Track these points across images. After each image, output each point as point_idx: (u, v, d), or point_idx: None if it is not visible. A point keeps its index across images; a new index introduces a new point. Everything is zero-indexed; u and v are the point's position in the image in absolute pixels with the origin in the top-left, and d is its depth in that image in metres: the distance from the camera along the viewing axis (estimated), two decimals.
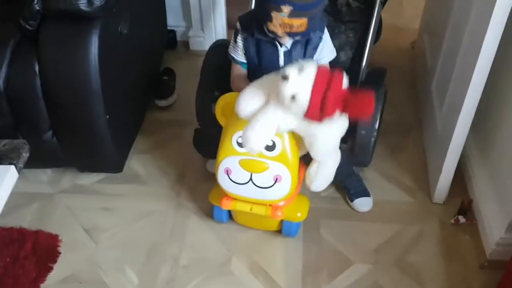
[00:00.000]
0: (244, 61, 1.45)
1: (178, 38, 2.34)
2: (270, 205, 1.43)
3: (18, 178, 0.99)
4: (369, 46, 1.65)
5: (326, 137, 1.28)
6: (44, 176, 1.77)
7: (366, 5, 1.75)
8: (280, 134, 1.31)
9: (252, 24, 1.36)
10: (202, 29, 2.27)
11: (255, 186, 1.38)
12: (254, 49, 1.40)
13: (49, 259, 1.50)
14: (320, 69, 1.20)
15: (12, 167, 0.98)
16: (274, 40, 1.35)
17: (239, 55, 1.45)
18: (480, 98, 1.40)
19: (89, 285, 1.45)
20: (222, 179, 1.40)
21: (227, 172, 1.38)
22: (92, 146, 1.61)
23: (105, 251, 1.53)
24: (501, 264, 1.37)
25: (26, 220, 1.61)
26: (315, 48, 1.40)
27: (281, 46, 1.37)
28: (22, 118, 1.54)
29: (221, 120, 1.37)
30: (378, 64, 1.77)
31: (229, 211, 1.56)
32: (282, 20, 1.24)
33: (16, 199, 1.65)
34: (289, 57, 1.39)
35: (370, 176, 1.74)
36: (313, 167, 1.36)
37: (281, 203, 1.43)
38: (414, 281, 1.43)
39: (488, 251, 1.45)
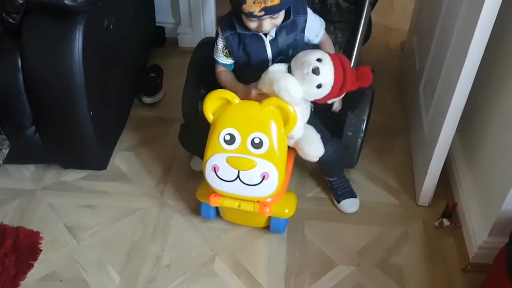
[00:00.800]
0: (227, 62, 1.46)
1: (167, 35, 2.32)
2: (258, 201, 1.43)
3: (0, 174, 0.97)
4: (358, 46, 1.64)
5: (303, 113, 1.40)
6: (27, 172, 1.74)
7: (355, 5, 1.75)
8: (268, 132, 1.32)
9: (233, 20, 1.38)
10: (191, 26, 2.26)
11: (242, 183, 1.38)
12: (238, 45, 1.41)
13: (30, 256, 1.48)
14: (332, 56, 1.35)
15: None
16: (257, 32, 1.37)
17: (220, 57, 1.46)
18: (467, 102, 1.39)
19: (69, 283, 1.43)
20: (209, 176, 1.40)
21: (215, 169, 1.38)
22: (75, 142, 1.59)
23: (86, 249, 1.52)
24: (483, 268, 1.37)
25: (7, 216, 1.59)
26: (302, 31, 1.42)
27: (266, 37, 1.38)
28: (4, 113, 1.51)
29: (209, 117, 1.37)
30: (367, 64, 1.76)
31: (217, 208, 1.55)
32: None
33: None
34: (276, 46, 1.40)
35: (356, 177, 1.73)
36: (303, 144, 1.40)
37: (269, 200, 1.44)
38: (397, 284, 1.43)
39: (471, 254, 1.45)
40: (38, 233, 1.54)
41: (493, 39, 1.28)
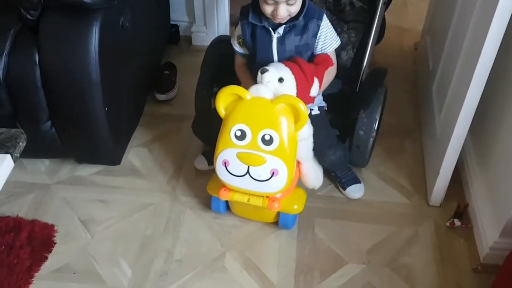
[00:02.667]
0: (240, 50, 1.50)
1: (181, 33, 2.34)
2: (267, 196, 1.44)
3: (16, 168, 0.99)
4: (371, 46, 1.65)
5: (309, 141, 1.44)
6: (42, 166, 1.77)
7: (369, 5, 1.75)
8: (278, 129, 1.34)
9: (249, 9, 1.40)
10: (205, 25, 2.28)
11: (252, 179, 1.40)
12: (249, 35, 1.44)
13: (44, 249, 1.51)
14: (289, 65, 1.37)
15: (8, 156, 0.98)
16: (268, 27, 1.40)
17: (235, 44, 1.50)
18: (479, 102, 1.39)
19: (83, 275, 1.45)
20: (220, 171, 1.42)
21: (225, 164, 1.40)
22: (90, 138, 1.62)
23: (100, 242, 1.54)
24: (494, 268, 1.37)
25: (23, 209, 1.62)
26: (315, 36, 1.42)
27: (274, 32, 1.40)
28: (21, 107, 1.54)
29: (221, 112, 1.39)
30: (380, 64, 1.77)
31: (227, 203, 1.57)
32: None
33: (13, 188, 1.67)
34: (282, 44, 1.42)
35: (367, 177, 1.74)
36: (306, 168, 1.47)
37: (278, 195, 1.45)
38: (407, 283, 1.43)
39: (482, 255, 1.45)
40: (52, 226, 1.57)
41: (507, 40, 1.28)
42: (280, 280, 1.44)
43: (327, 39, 1.44)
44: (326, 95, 1.59)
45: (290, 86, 1.36)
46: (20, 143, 1.03)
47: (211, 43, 1.74)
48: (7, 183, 0.96)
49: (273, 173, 1.37)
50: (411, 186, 1.71)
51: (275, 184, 1.40)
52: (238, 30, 1.47)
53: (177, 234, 1.56)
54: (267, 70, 1.34)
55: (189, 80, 1.86)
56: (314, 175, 1.54)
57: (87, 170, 1.76)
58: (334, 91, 1.60)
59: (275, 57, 1.43)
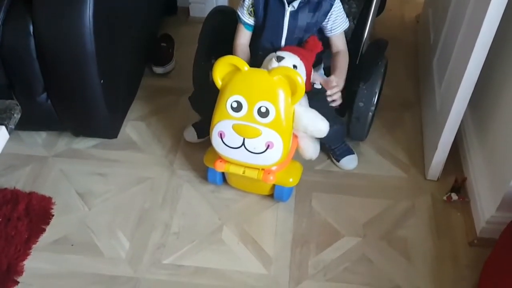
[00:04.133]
0: (248, 22, 1.47)
1: (178, 4, 2.30)
2: (262, 169, 1.44)
3: (13, 140, 0.98)
4: (372, 18, 1.62)
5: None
6: (39, 138, 1.77)
7: None
8: (275, 101, 1.32)
9: None
10: None
11: (247, 151, 1.40)
12: (262, 8, 1.42)
13: (42, 221, 1.51)
14: (295, 52, 1.38)
15: (3, 127, 0.97)
16: None
17: (244, 14, 1.47)
18: (479, 77, 1.37)
19: (80, 247, 1.46)
20: (216, 142, 1.43)
21: (221, 135, 1.40)
22: (86, 110, 1.61)
23: (97, 215, 1.55)
24: (490, 242, 1.37)
25: (20, 181, 1.62)
26: (325, 14, 1.43)
27: (288, 6, 1.39)
28: (16, 79, 1.53)
29: (218, 83, 1.38)
30: (381, 36, 1.74)
31: (223, 174, 1.57)
32: None
33: (10, 160, 1.67)
34: (295, 19, 1.40)
35: (365, 150, 1.73)
36: (304, 142, 1.46)
37: (274, 168, 1.45)
38: (402, 256, 1.44)
39: (478, 229, 1.45)
40: (50, 198, 1.57)
41: (508, 13, 1.26)
42: (276, 253, 1.45)
43: (338, 19, 1.45)
44: (326, 67, 1.57)
45: (302, 73, 1.37)
46: (15, 115, 1.02)
47: (209, 14, 1.71)
48: (4, 155, 0.96)
49: (268, 145, 1.37)
50: (409, 160, 1.70)
51: (270, 157, 1.40)
52: (248, 0, 1.44)
53: (174, 207, 1.56)
54: (284, 58, 1.34)
55: (187, 53, 1.83)
56: (311, 146, 1.52)
57: (84, 143, 1.75)
58: None
59: (285, 32, 1.42)
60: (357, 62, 1.61)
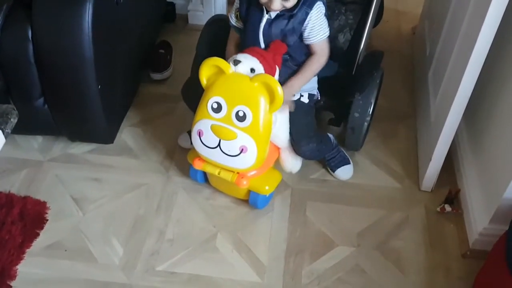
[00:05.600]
0: (236, 25, 1.50)
1: (177, 12, 2.31)
2: (238, 172, 1.46)
3: (9, 144, 0.99)
4: (368, 29, 1.63)
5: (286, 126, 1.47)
6: (35, 143, 1.77)
7: None
8: (253, 106, 1.35)
9: None
10: (202, 4, 2.25)
11: (222, 152, 1.42)
12: (245, 10, 1.45)
13: (36, 225, 1.51)
14: (254, 55, 1.38)
15: (0, 132, 0.98)
16: (263, 6, 1.39)
17: (233, 17, 1.50)
18: (474, 89, 1.39)
19: (74, 253, 1.46)
20: (194, 140, 1.46)
21: (199, 133, 1.43)
22: (83, 115, 1.61)
23: (92, 220, 1.54)
24: (482, 254, 1.38)
25: (15, 185, 1.62)
26: (301, 23, 1.41)
27: (266, 13, 1.41)
28: (13, 83, 1.53)
29: (203, 82, 1.40)
30: (377, 48, 1.76)
31: (205, 173, 1.59)
32: None
33: (5, 164, 1.67)
34: (270, 26, 1.42)
35: (360, 160, 1.74)
36: (284, 155, 1.51)
37: (252, 173, 1.47)
38: (396, 266, 1.45)
39: (471, 241, 1.46)
40: (44, 203, 1.57)
41: (503, 27, 1.27)
42: (270, 261, 1.45)
43: (315, 28, 1.42)
44: (322, 78, 1.58)
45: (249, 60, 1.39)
46: (12, 119, 1.03)
47: (207, 22, 1.72)
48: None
49: (242, 149, 1.39)
50: (404, 171, 1.71)
51: (243, 161, 1.41)
52: (237, 3, 1.47)
53: (169, 214, 1.57)
54: (240, 62, 1.36)
55: (184, 60, 1.84)
56: (290, 159, 1.55)
57: (80, 148, 1.75)
58: (330, 74, 1.60)
59: (261, 38, 1.43)
60: (353, 73, 1.63)
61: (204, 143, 1.43)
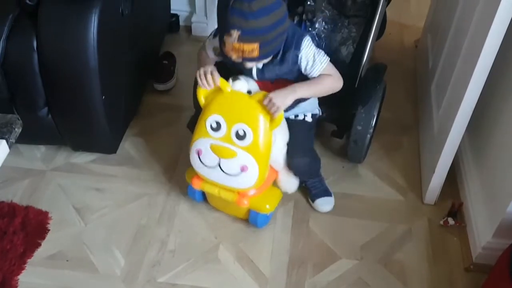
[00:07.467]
0: (212, 56, 1.41)
1: (181, 23, 2.33)
2: (238, 192, 1.43)
3: (12, 153, 0.99)
4: (371, 42, 1.64)
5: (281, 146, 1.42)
6: (38, 152, 1.77)
7: (371, 0, 1.74)
8: (253, 125, 1.32)
9: None
10: (206, 15, 2.27)
11: (222, 172, 1.40)
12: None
13: (38, 235, 1.51)
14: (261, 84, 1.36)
15: (3, 141, 0.98)
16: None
17: (210, 50, 1.42)
18: (478, 102, 1.39)
19: (76, 263, 1.45)
20: (193, 159, 1.44)
21: (198, 153, 1.41)
22: (86, 125, 1.61)
23: (93, 230, 1.54)
24: (486, 268, 1.37)
25: (17, 195, 1.62)
26: (294, 63, 1.34)
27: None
28: (18, 93, 1.54)
29: (201, 101, 1.39)
30: (380, 60, 1.77)
31: (203, 192, 1.57)
32: (232, 45, 1.21)
33: (8, 173, 1.67)
34: (262, 73, 1.37)
35: (363, 173, 1.74)
36: (281, 175, 1.47)
37: (252, 192, 1.44)
38: (399, 280, 1.44)
39: (474, 254, 1.45)
40: (46, 212, 1.57)
41: (507, 40, 1.28)
42: (272, 273, 1.44)
43: (309, 64, 1.35)
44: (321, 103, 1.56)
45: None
46: (16, 129, 1.03)
47: (211, 34, 1.73)
48: (2, 168, 0.96)
49: (243, 168, 1.36)
50: (407, 184, 1.71)
51: (244, 180, 1.39)
52: (216, 43, 1.33)
53: (171, 224, 1.56)
54: (239, 79, 1.34)
55: (188, 71, 1.85)
56: (288, 179, 1.51)
57: (83, 158, 1.75)
58: None
59: (255, 79, 1.39)
60: (356, 85, 1.63)
61: (204, 162, 1.41)
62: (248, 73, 1.38)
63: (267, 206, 1.49)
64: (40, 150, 1.77)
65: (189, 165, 1.71)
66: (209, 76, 1.33)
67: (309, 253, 1.49)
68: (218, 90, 1.35)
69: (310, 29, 1.72)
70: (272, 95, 1.30)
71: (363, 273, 1.45)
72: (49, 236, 1.51)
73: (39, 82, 1.50)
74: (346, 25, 1.75)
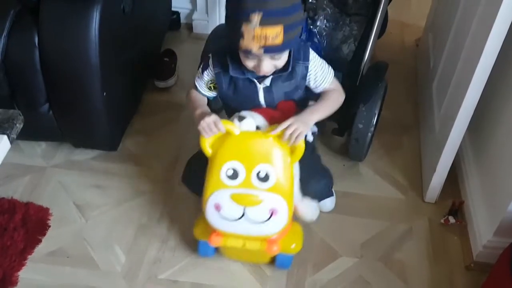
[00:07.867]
0: (209, 94, 1.35)
1: (182, 20, 2.33)
2: (264, 239, 1.32)
3: (12, 149, 0.98)
4: (373, 40, 1.64)
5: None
6: (38, 149, 1.77)
7: None
8: (274, 162, 1.23)
9: (227, 59, 1.24)
10: (207, 13, 2.26)
11: (248, 222, 1.27)
12: (228, 85, 1.29)
13: (38, 231, 1.51)
14: (261, 112, 1.27)
15: (5, 137, 0.97)
16: (252, 78, 1.26)
17: (202, 87, 1.33)
18: (479, 101, 1.39)
19: (76, 260, 1.45)
20: (211, 216, 1.29)
21: (217, 207, 1.27)
22: (87, 122, 1.61)
23: (94, 227, 1.54)
24: (486, 267, 1.38)
25: (18, 191, 1.62)
26: (304, 77, 1.28)
27: (260, 83, 1.27)
28: (19, 89, 1.54)
29: (207, 151, 1.25)
30: (381, 59, 1.77)
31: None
32: (254, 32, 1.09)
33: (9, 170, 1.67)
34: (270, 92, 1.28)
35: (363, 171, 1.74)
36: (302, 207, 1.35)
37: (274, 236, 1.32)
38: (399, 278, 1.44)
39: (475, 253, 1.46)
40: (47, 209, 1.57)
41: (509, 40, 1.28)
42: (273, 271, 1.44)
43: (318, 76, 1.29)
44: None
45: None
46: (17, 125, 1.02)
47: (212, 31, 1.73)
48: (3, 164, 0.96)
49: (272, 212, 1.25)
50: (407, 182, 1.71)
51: (275, 224, 1.27)
52: (208, 76, 1.30)
53: (171, 222, 1.56)
54: (245, 117, 1.23)
55: (189, 68, 1.85)
56: (309, 208, 1.40)
57: (83, 155, 1.75)
58: None
59: (263, 104, 1.31)
60: (357, 84, 1.63)
61: (225, 216, 1.26)
62: (254, 99, 1.29)
63: (293, 246, 1.37)
64: (40, 147, 1.77)
65: (188, 164, 1.73)
66: (213, 127, 1.22)
67: (310, 251, 1.49)
68: (225, 134, 1.23)
69: (311, 26, 1.72)
70: (291, 121, 1.21)
71: (363, 271, 1.45)
72: (49, 232, 1.51)
73: (40, 79, 1.50)
74: (348, 23, 1.75)
